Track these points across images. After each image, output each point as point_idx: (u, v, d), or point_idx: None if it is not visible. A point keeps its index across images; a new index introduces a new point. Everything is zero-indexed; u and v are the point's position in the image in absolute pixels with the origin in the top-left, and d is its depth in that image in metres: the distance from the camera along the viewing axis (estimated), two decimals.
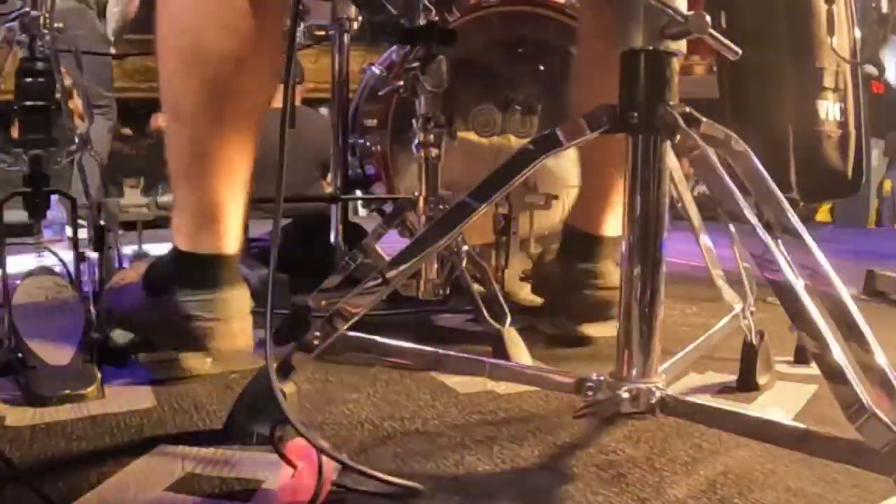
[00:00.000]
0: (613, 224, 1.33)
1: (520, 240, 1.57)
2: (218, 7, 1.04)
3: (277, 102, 1.17)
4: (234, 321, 1.10)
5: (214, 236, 1.10)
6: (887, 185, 4.71)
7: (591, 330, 1.37)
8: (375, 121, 1.89)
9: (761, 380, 1.11)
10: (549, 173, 1.70)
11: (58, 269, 1.26)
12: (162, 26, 1.07)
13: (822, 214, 4.60)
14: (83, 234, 1.29)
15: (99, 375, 1.05)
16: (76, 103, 1.88)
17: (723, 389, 1.12)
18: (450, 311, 1.56)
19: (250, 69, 1.06)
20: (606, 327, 1.35)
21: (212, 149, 1.08)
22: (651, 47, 0.78)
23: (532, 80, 1.80)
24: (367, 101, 2.02)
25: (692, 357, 0.99)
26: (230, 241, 1.11)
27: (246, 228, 2.01)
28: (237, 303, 1.11)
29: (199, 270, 1.10)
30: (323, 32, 2.00)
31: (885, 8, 1.94)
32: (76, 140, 1.37)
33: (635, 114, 0.78)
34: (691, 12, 0.76)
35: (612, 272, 1.31)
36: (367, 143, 1.95)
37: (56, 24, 1.26)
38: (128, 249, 1.67)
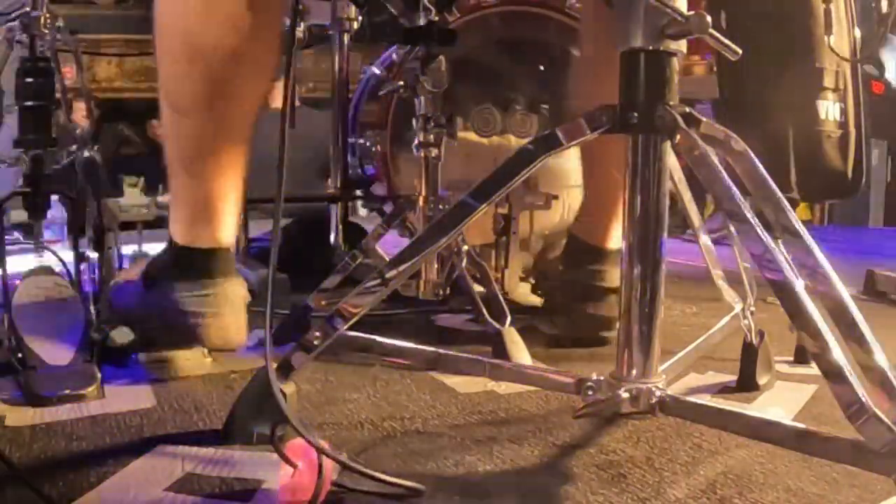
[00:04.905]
0: (618, 236, 1.31)
1: (520, 240, 1.57)
2: (216, 1, 1.04)
3: (278, 102, 1.17)
4: (229, 316, 1.11)
5: (210, 229, 1.11)
6: None
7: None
8: (375, 121, 1.88)
9: (761, 380, 1.11)
10: (549, 173, 1.69)
11: (58, 269, 1.26)
12: (160, 19, 1.07)
13: (801, 213, 4.49)
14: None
15: (99, 375, 1.04)
16: (78, 103, 1.88)
17: (723, 389, 1.12)
18: (450, 311, 1.56)
19: (249, 65, 1.06)
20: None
21: (209, 142, 1.09)
22: (651, 47, 0.78)
23: (532, 80, 1.80)
24: (367, 101, 2.02)
25: (692, 357, 0.99)
26: (225, 235, 1.12)
27: (246, 228, 2.03)
28: (232, 296, 1.12)
29: (195, 264, 1.11)
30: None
31: (885, 7, 1.94)
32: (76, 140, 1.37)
33: (635, 114, 0.78)
34: (691, 12, 0.76)
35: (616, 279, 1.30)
36: (367, 143, 1.95)
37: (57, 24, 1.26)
38: (128, 249, 1.66)
